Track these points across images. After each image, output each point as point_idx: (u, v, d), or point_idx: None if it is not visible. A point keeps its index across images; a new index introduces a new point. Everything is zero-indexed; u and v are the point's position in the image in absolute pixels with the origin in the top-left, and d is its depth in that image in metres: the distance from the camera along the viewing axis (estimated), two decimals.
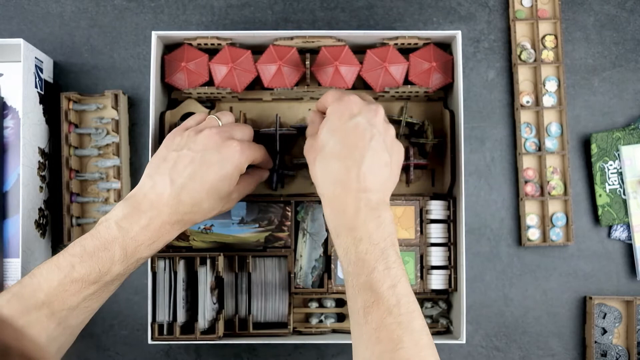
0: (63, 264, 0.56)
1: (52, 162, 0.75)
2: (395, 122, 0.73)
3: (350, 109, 0.59)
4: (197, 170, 0.58)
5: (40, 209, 0.72)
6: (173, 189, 0.58)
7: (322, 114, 0.64)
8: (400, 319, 0.53)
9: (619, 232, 0.76)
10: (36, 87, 0.72)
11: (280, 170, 0.72)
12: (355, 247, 0.55)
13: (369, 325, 0.53)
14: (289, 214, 0.70)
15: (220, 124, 0.63)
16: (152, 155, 0.67)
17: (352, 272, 0.55)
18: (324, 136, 0.59)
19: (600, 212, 0.76)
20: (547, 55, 0.76)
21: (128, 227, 0.57)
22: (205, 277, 0.67)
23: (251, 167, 0.67)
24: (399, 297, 0.53)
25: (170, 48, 0.72)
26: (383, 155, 0.58)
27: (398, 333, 0.52)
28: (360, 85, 0.73)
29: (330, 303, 0.72)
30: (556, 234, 0.75)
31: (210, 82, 0.71)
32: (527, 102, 0.76)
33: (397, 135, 0.72)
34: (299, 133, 0.72)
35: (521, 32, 0.77)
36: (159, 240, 0.59)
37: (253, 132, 0.65)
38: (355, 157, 0.57)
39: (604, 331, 0.75)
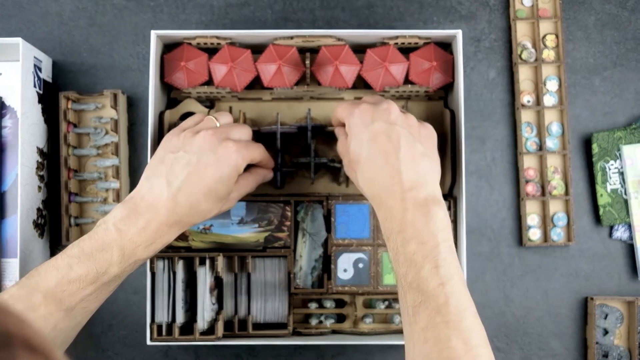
0: (61, 264, 0.56)
1: (50, 161, 0.75)
2: None
3: (364, 119, 0.59)
4: (193, 172, 0.58)
5: (38, 209, 0.72)
6: (170, 191, 0.58)
7: (343, 125, 0.63)
8: (448, 318, 0.51)
9: (620, 232, 0.76)
10: (35, 86, 0.71)
11: (284, 168, 0.71)
12: (403, 248, 0.55)
13: (417, 324, 0.52)
14: (289, 214, 0.69)
15: (218, 125, 0.63)
16: (151, 155, 0.66)
17: (401, 272, 0.55)
18: (355, 151, 0.59)
19: (601, 212, 0.75)
20: (548, 54, 0.76)
21: (126, 229, 0.57)
22: (204, 278, 0.67)
23: (252, 166, 0.66)
24: (447, 295, 0.52)
25: (169, 47, 0.72)
26: (416, 147, 0.58)
27: (446, 332, 0.51)
28: (361, 84, 0.72)
29: (329, 303, 0.72)
30: (557, 234, 0.75)
31: (209, 82, 0.71)
32: (528, 101, 0.76)
33: None
34: (300, 132, 0.72)
35: (522, 32, 0.77)
36: (156, 242, 0.58)
37: (251, 131, 0.65)
38: (391, 161, 0.57)
39: (606, 332, 0.74)
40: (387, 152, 0.57)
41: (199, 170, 0.58)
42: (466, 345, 0.50)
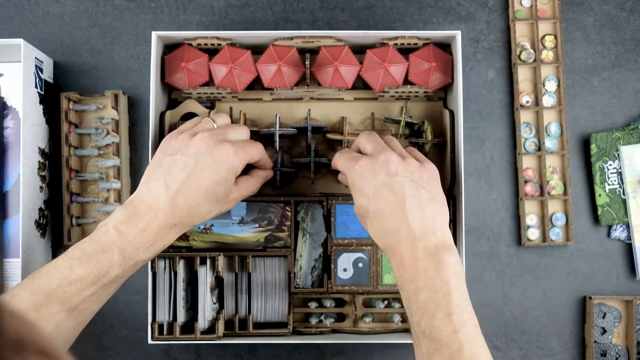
0: (62, 266, 0.56)
1: (52, 162, 0.75)
2: (394, 122, 0.74)
3: (366, 175, 0.59)
4: (190, 175, 0.59)
5: (40, 209, 0.72)
6: (168, 193, 0.58)
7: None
8: None
9: (618, 232, 0.76)
10: (36, 87, 0.72)
11: (283, 168, 0.72)
12: (415, 296, 0.55)
13: None
14: (289, 214, 0.70)
15: (215, 126, 0.63)
16: (152, 156, 0.67)
17: (414, 320, 0.55)
18: (361, 207, 0.59)
19: (599, 212, 0.76)
20: (547, 55, 0.76)
21: (126, 231, 0.57)
22: (205, 277, 0.67)
23: (253, 168, 0.67)
24: (461, 342, 0.52)
25: (170, 48, 0.72)
26: (420, 194, 0.58)
27: None
28: (360, 85, 0.73)
29: (329, 303, 0.72)
30: (556, 234, 0.75)
31: (210, 82, 0.71)
32: (527, 102, 0.76)
33: (397, 136, 0.72)
34: (299, 133, 0.72)
35: (521, 32, 0.77)
36: (156, 243, 0.59)
37: (249, 132, 0.65)
38: (398, 213, 0.57)
39: (604, 331, 0.75)
40: (392, 205, 0.57)
41: (196, 173, 0.59)
42: None
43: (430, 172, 0.60)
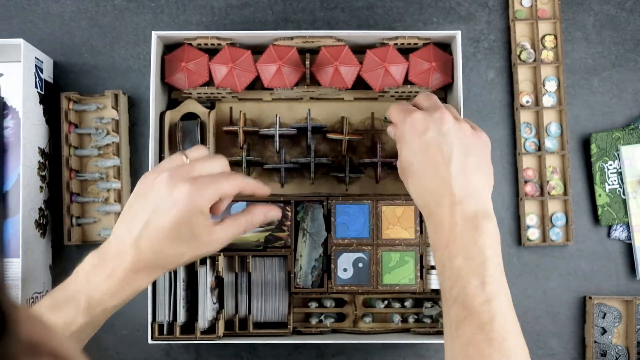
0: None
1: (52, 162, 0.75)
2: None
3: (417, 129, 0.58)
4: (151, 218, 0.55)
5: (40, 209, 0.72)
6: (131, 238, 0.55)
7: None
8: (491, 336, 0.51)
9: (618, 232, 0.76)
10: (36, 87, 0.72)
11: (289, 164, 0.72)
12: (450, 262, 0.54)
13: (459, 339, 0.52)
14: (289, 214, 0.70)
15: (187, 161, 0.58)
16: (152, 156, 0.67)
17: (447, 286, 0.54)
18: (406, 160, 0.59)
19: (600, 212, 0.76)
20: (547, 55, 0.76)
21: (93, 278, 0.56)
22: (205, 277, 0.67)
23: (253, 203, 0.65)
24: (492, 313, 0.51)
25: (170, 48, 0.72)
26: (468, 159, 0.57)
27: (488, 351, 0.51)
28: (360, 85, 0.73)
29: (329, 303, 0.72)
30: (556, 234, 0.75)
31: (210, 82, 0.71)
32: (527, 102, 0.76)
33: None
34: (299, 133, 0.72)
35: (521, 32, 0.77)
36: (123, 289, 0.56)
37: (226, 163, 0.59)
38: (441, 173, 0.56)
39: (604, 331, 0.75)
40: (437, 164, 0.57)
41: (156, 216, 0.55)
42: None
43: (483, 140, 0.59)
